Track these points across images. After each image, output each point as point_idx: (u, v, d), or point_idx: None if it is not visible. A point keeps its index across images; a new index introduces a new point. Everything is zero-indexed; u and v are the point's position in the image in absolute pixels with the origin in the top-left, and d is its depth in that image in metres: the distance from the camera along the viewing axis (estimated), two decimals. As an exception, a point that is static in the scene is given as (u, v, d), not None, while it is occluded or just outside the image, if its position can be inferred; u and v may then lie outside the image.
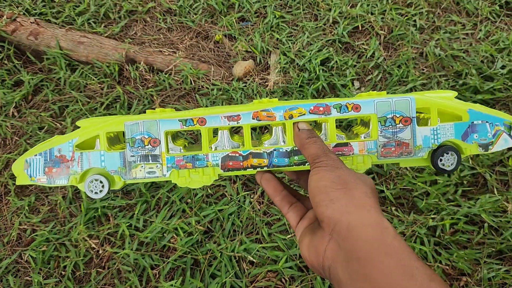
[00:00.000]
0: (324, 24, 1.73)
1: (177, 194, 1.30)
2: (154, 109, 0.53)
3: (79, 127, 0.53)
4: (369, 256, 0.37)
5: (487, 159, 1.30)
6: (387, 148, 0.51)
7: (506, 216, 1.21)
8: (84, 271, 1.23)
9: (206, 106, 1.50)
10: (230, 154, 0.51)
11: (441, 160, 0.51)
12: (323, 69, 1.57)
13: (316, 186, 0.44)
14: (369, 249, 0.38)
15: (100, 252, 1.25)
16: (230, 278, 1.16)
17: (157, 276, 1.19)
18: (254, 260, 1.19)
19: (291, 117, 0.51)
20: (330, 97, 1.47)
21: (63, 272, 1.22)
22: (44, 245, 1.26)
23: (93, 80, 1.61)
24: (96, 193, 0.51)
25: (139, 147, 0.51)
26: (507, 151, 1.33)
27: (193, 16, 1.82)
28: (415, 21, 1.71)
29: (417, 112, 0.52)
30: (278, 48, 1.67)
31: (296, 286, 1.14)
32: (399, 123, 0.51)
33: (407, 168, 1.31)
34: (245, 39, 1.71)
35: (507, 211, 1.22)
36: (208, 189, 1.32)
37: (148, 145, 0.51)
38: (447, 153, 0.51)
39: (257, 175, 0.54)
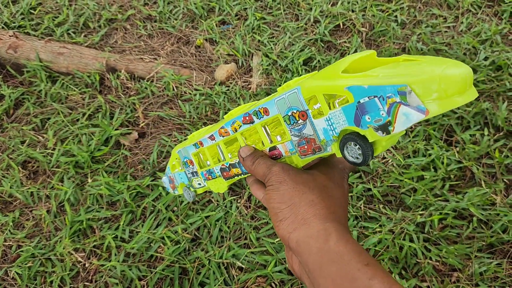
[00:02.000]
0: (306, 24, 1.72)
1: (163, 203, 1.28)
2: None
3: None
4: (317, 267, 0.39)
5: (473, 152, 1.29)
6: (301, 147, 0.47)
7: (495, 208, 1.20)
8: (71, 285, 1.20)
9: (190, 112, 1.48)
10: (221, 167, 0.59)
11: (348, 153, 0.42)
12: (305, 69, 1.55)
13: (268, 208, 0.46)
14: (317, 260, 0.39)
15: (87, 265, 1.23)
16: (219, 285, 1.14)
17: (145, 287, 1.17)
18: (243, 266, 1.17)
19: (235, 130, 0.54)
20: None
21: (50, 288, 1.20)
22: (30, 260, 1.24)
23: (74, 91, 1.59)
24: (191, 197, 0.67)
25: (188, 167, 0.65)
26: (493, 143, 1.32)
27: (173, 22, 1.80)
28: (396, 16, 1.70)
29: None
30: (260, 50, 1.65)
31: (287, 290, 1.13)
32: (299, 119, 0.45)
33: (393, 165, 1.30)
34: (227, 42, 1.70)
35: (496, 204, 1.21)
36: (194, 196, 1.30)
37: (190, 165, 0.64)
38: (350, 144, 0.41)
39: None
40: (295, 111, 0.45)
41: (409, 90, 0.34)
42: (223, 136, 0.56)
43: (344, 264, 0.38)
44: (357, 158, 0.41)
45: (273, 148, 0.50)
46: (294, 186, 0.45)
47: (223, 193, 1.30)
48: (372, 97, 0.37)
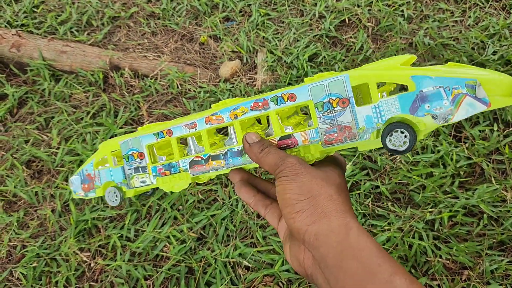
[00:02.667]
0: (310, 20, 1.70)
1: (168, 201, 1.26)
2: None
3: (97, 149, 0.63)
4: (336, 262, 0.38)
5: (483, 147, 1.27)
6: (329, 135, 0.47)
7: (505, 205, 1.18)
8: (77, 285, 1.19)
9: (194, 110, 1.46)
10: (194, 159, 0.54)
11: (390, 140, 0.44)
12: (311, 65, 1.54)
13: (282, 199, 0.44)
14: (337, 255, 0.39)
15: (92, 265, 1.22)
16: (226, 284, 1.13)
17: (151, 286, 1.16)
18: (249, 265, 1.16)
19: (236, 117, 0.51)
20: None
21: (55, 288, 1.19)
22: (35, 261, 1.23)
23: (78, 89, 1.57)
24: (113, 201, 0.60)
25: (132, 161, 0.58)
26: (503, 139, 1.30)
27: (177, 19, 1.79)
28: (402, 11, 1.68)
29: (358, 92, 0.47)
30: (264, 47, 1.64)
31: (294, 289, 1.11)
32: (337, 106, 0.46)
33: (401, 162, 1.28)
34: (231, 39, 1.68)
35: (506, 200, 1.18)
36: (200, 194, 1.29)
37: (137, 158, 0.58)
38: (396, 131, 0.43)
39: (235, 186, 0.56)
40: (333, 98, 0.46)
41: (479, 84, 0.40)
42: (212, 124, 0.52)
43: (365, 259, 0.37)
44: (400, 146, 0.43)
45: (287, 136, 0.49)
46: (312, 179, 0.43)
47: (229, 191, 1.29)
48: (438, 87, 0.41)
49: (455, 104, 0.40)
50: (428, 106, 0.41)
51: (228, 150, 0.52)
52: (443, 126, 1.34)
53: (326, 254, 0.39)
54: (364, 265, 0.37)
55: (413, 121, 0.43)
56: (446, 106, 0.41)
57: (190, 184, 0.55)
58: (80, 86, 1.58)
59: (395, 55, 1.52)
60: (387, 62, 0.46)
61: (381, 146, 0.46)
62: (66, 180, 1.38)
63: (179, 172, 0.55)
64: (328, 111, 0.47)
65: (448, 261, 1.12)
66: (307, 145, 0.48)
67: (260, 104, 0.50)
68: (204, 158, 0.53)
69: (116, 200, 0.60)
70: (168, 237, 1.21)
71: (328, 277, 0.39)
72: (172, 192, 1.29)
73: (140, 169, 0.58)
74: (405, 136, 0.43)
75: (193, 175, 0.54)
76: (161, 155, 0.58)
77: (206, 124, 0.52)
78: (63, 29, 1.76)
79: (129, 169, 0.58)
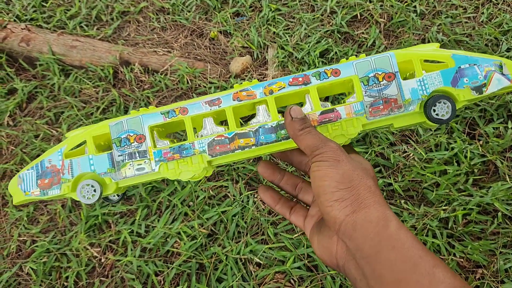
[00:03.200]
0: (322, 15, 1.69)
1: (179, 197, 1.26)
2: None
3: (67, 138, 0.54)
4: (374, 252, 0.38)
5: (497, 145, 1.25)
6: (375, 107, 0.49)
7: (520, 203, 1.16)
8: (87, 281, 1.19)
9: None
10: (216, 138, 0.50)
11: (434, 110, 0.49)
12: (322, 61, 1.52)
13: (319, 185, 0.42)
14: (375, 245, 0.38)
15: (103, 260, 1.21)
16: (237, 281, 1.12)
17: (162, 282, 1.15)
18: (261, 262, 1.15)
19: (271, 92, 0.49)
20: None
21: (65, 283, 1.19)
22: (45, 256, 1.23)
23: (88, 84, 1.57)
24: (89, 198, 0.50)
25: (126, 146, 0.50)
26: (517, 136, 1.28)
27: (186, 14, 1.77)
28: (415, 7, 1.66)
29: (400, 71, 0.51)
30: (275, 42, 1.62)
31: (306, 287, 1.11)
32: (382, 80, 0.49)
33: (415, 159, 1.27)
34: (241, 35, 1.67)
35: (521, 199, 1.17)
36: (210, 190, 1.28)
37: (134, 142, 0.50)
38: (439, 102, 0.49)
39: (259, 189, 0.56)
40: (379, 73, 0.49)
41: (503, 63, 0.49)
42: (241, 101, 0.50)
43: (405, 251, 0.37)
44: (443, 115, 0.49)
45: (329, 110, 0.50)
46: (353, 168, 0.43)
47: (240, 188, 1.28)
48: (473, 64, 0.49)
49: (487, 79, 0.49)
50: (467, 80, 0.49)
51: (259, 127, 0.49)
52: (456, 123, 1.32)
53: (363, 244, 0.39)
54: (404, 256, 0.37)
55: (454, 93, 0.49)
56: (480, 80, 0.49)
57: (204, 168, 0.50)
58: (90, 81, 1.58)
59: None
60: (425, 48, 0.51)
61: (418, 121, 0.50)
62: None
63: (194, 154, 0.50)
64: (374, 85, 0.49)
65: (462, 260, 1.11)
66: (351, 118, 0.49)
67: (300, 79, 0.50)
68: (229, 136, 0.50)
69: (93, 195, 0.50)
70: (179, 233, 1.20)
71: (363, 267, 0.39)
72: (183, 187, 1.28)
73: (137, 154, 0.50)
74: (448, 106, 0.48)
75: (211, 156, 0.50)
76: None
77: (234, 100, 0.50)
78: (73, 23, 1.75)
79: (120, 155, 0.50)
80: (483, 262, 1.10)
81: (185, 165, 0.50)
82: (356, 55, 1.52)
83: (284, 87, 0.50)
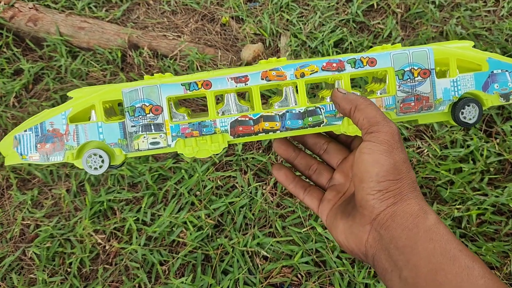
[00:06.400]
0: (337, 3, 1.64)
1: (186, 186, 1.23)
2: (152, 75, 0.49)
3: (71, 98, 0.49)
4: (411, 243, 0.37)
5: (514, 144, 1.22)
6: (406, 103, 0.48)
7: (536, 205, 1.13)
8: (91, 267, 1.17)
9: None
10: (239, 119, 0.47)
11: (462, 113, 0.48)
12: (336, 51, 1.48)
13: (367, 171, 0.40)
14: (413, 236, 0.38)
15: (107, 247, 1.19)
16: (243, 274, 1.10)
17: (167, 272, 1.13)
18: (268, 255, 1.12)
19: (302, 75, 0.47)
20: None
21: (68, 269, 1.17)
22: (49, 241, 1.21)
23: (95, 67, 1.53)
24: (95, 168, 0.47)
25: (140, 116, 0.46)
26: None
27: (198, -2, 1.73)
28: (433, -2, 1.61)
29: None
30: (288, 30, 1.58)
31: (313, 282, 1.08)
32: (417, 76, 0.48)
33: (429, 155, 1.23)
34: (254, 21, 1.63)
35: (537, 200, 1.14)
36: (218, 180, 1.25)
37: (149, 113, 0.46)
38: (468, 105, 0.48)
39: (273, 167, 0.54)
40: (416, 68, 0.48)
41: None
42: (270, 80, 0.47)
43: (443, 243, 0.37)
44: (470, 119, 0.48)
45: None
46: (403, 159, 0.41)
47: (248, 179, 1.25)
48: (505, 70, 0.49)
49: None
50: (497, 86, 0.49)
51: (287, 111, 0.47)
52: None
53: (400, 234, 0.38)
54: (443, 249, 0.36)
55: (484, 97, 0.49)
56: (510, 87, 0.49)
57: (224, 149, 0.47)
58: (98, 64, 1.54)
59: (425, 43, 1.46)
60: (460, 45, 0.50)
61: (442, 120, 0.50)
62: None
63: (214, 133, 0.47)
64: (408, 80, 0.48)
65: (474, 261, 1.08)
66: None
67: (334, 65, 0.47)
68: (254, 118, 0.47)
69: (100, 167, 0.47)
70: (185, 222, 1.18)
71: (396, 258, 0.38)
72: (190, 176, 1.25)
73: (152, 126, 0.47)
74: (476, 110, 0.48)
75: (233, 137, 0.47)
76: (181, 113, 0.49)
77: (262, 79, 0.47)
78: (81, 4, 1.71)
79: (133, 126, 0.47)
80: (496, 264, 1.07)
81: (204, 144, 0.47)
82: (371, 46, 1.49)
83: (316, 71, 0.47)
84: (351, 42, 1.49)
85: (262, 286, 1.09)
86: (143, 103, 0.46)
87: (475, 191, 1.16)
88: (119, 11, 1.69)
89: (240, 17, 1.66)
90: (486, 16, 1.56)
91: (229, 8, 1.68)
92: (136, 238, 1.18)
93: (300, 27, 1.58)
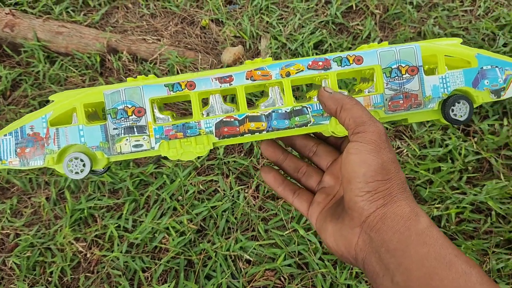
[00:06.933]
0: (316, 5, 1.65)
1: (167, 192, 1.22)
2: (135, 77, 0.49)
3: (52, 102, 0.48)
4: (403, 246, 0.36)
5: (492, 142, 1.23)
6: (394, 101, 0.48)
7: (513, 202, 1.15)
8: (72, 276, 1.16)
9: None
10: (224, 120, 0.46)
11: (452, 110, 0.48)
12: (316, 53, 1.49)
13: (354, 171, 0.40)
14: (404, 239, 0.37)
15: (88, 255, 1.18)
16: (226, 278, 1.09)
17: (149, 279, 1.13)
18: (251, 259, 1.12)
19: (288, 74, 0.47)
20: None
21: (49, 279, 1.15)
22: (29, 250, 1.19)
23: (74, 72, 1.52)
24: (77, 173, 0.46)
25: (122, 118, 0.45)
26: (512, 134, 1.27)
27: (177, 1, 1.72)
28: (411, -2, 1.62)
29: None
30: (268, 32, 1.58)
31: (296, 285, 1.09)
32: (405, 74, 0.47)
33: (408, 155, 1.25)
34: (233, 24, 1.62)
35: (515, 197, 1.16)
36: (200, 185, 1.25)
37: (132, 115, 0.45)
38: (459, 102, 0.48)
39: (261, 169, 0.53)
40: (403, 65, 0.47)
41: None
42: (254, 80, 0.46)
43: (438, 247, 0.36)
44: (461, 116, 0.48)
45: None
46: (391, 159, 0.40)
47: (230, 183, 1.25)
48: (495, 66, 0.48)
49: (506, 83, 0.48)
50: (487, 82, 0.48)
51: (273, 111, 0.47)
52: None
53: (391, 237, 0.37)
54: (437, 253, 0.35)
55: (474, 94, 0.48)
56: (500, 83, 0.48)
57: (209, 151, 0.47)
58: (76, 69, 1.53)
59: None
60: (448, 42, 0.50)
61: (432, 118, 0.49)
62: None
63: (199, 135, 0.46)
64: (396, 77, 0.47)
65: (454, 259, 1.09)
66: (369, 110, 0.46)
67: (320, 63, 0.47)
68: (239, 119, 0.46)
69: (82, 171, 0.46)
70: (167, 228, 1.17)
71: (387, 262, 0.37)
72: (172, 181, 1.24)
73: (135, 129, 0.46)
74: (466, 107, 0.48)
75: (218, 138, 0.46)
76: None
77: (247, 79, 0.46)
78: (59, 8, 1.69)
79: (115, 128, 0.46)
80: (475, 262, 1.08)
81: (189, 146, 0.46)
82: (351, 47, 1.49)
83: (302, 70, 0.47)
84: (330, 44, 1.49)
85: (245, 290, 1.09)
86: (125, 105, 0.46)
87: (453, 190, 1.18)
88: (98, 15, 1.68)
89: (220, 19, 1.65)
90: (463, 16, 1.58)
91: (208, 10, 1.67)
92: (118, 245, 1.17)
93: (280, 29, 1.58)
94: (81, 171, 0.46)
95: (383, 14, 1.59)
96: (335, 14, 1.59)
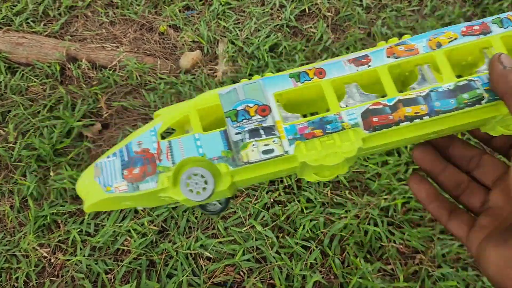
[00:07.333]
0: (271, 9, 1.71)
1: (129, 195, 1.26)
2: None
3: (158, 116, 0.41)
4: None
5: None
6: None
7: (456, 190, 1.22)
8: (37, 281, 1.19)
9: (154, 102, 1.45)
10: (371, 107, 0.36)
11: None
12: (272, 56, 1.54)
13: None
14: None
15: (52, 260, 1.21)
16: (187, 276, 1.14)
17: (112, 280, 1.16)
18: (211, 256, 1.17)
19: (439, 45, 0.37)
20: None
21: (15, 284, 1.18)
22: (-7, 258, 1.22)
23: (35, 82, 1.54)
24: (198, 193, 0.36)
25: (245, 120, 0.37)
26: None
27: (135, 8, 1.76)
28: (361, 0, 1.70)
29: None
30: (225, 37, 1.63)
31: (255, 278, 1.14)
32: None
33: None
34: (191, 29, 1.67)
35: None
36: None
37: (255, 115, 0.37)
38: None
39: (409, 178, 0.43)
40: None
41: None
42: (398, 58, 0.37)
43: None
44: None
45: None
46: None
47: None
48: None
49: None
50: None
51: (431, 90, 0.36)
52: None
53: None
54: None
55: None
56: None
57: (359, 148, 0.35)
58: (37, 79, 1.55)
59: (353, 45, 1.54)
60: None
61: None
62: (24, 175, 1.36)
63: (342, 129, 0.36)
64: None
65: (401, 246, 1.16)
66: None
67: (476, 26, 0.37)
68: (390, 104, 0.36)
69: (203, 190, 0.36)
70: (129, 230, 1.21)
71: None
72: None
73: (262, 131, 0.36)
74: None
75: (368, 131, 0.35)
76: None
77: (389, 57, 0.37)
78: (19, 20, 1.70)
79: (238, 133, 0.37)
80: (421, 248, 1.15)
81: (332, 145, 0.35)
82: (304, 49, 1.56)
83: (456, 38, 0.37)
84: (285, 47, 1.55)
85: (206, 286, 1.13)
86: (246, 105, 0.37)
87: (400, 181, 1.25)
88: (57, 25, 1.70)
89: (178, 25, 1.70)
90: (410, 15, 1.65)
91: (166, 17, 1.71)
92: (81, 249, 1.20)
93: (237, 34, 1.63)
94: (203, 190, 0.36)
95: (335, 17, 1.66)
96: (289, 17, 1.65)
